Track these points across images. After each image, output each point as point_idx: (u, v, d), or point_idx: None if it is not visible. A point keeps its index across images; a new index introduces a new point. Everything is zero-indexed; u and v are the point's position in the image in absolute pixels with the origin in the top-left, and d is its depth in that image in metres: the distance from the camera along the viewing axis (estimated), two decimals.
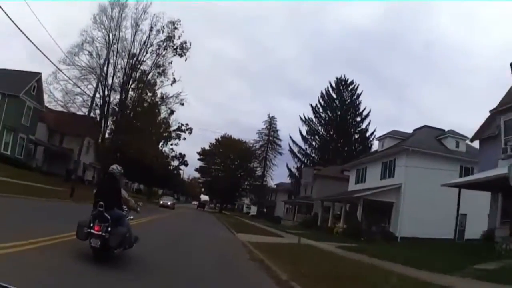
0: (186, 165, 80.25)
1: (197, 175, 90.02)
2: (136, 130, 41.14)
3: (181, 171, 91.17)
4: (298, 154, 63.68)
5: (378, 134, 61.00)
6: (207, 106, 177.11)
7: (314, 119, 65.02)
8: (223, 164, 73.97)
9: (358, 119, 65.32)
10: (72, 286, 5.07)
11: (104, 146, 41.27)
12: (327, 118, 65.16)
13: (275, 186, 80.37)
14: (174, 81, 43.51)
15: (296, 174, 62.76)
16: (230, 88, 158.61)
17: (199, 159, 77.32)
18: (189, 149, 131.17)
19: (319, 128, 64.92)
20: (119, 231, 6.40)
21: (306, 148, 63.99)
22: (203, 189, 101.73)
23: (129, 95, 42.29)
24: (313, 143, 64.39)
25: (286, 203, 58.64)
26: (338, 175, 46.69)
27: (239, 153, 71.50)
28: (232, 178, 70.45)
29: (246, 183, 76.19)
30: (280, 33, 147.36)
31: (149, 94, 42.67)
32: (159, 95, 43.80)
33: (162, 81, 43.71)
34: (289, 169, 64.27)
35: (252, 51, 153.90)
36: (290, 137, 65.44)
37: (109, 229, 6.23)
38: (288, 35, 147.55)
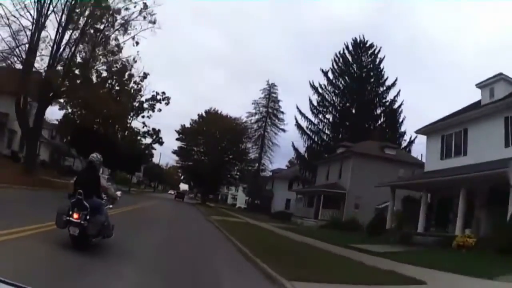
0: (161, 143, 64.94)
1: (176, 163, 74.49)
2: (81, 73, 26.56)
3: (154, 150, 75.33)
4: (307, 131, 49.01)
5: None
6: (188, 98, 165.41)
7: (327, 86, 50.75)
8: (207, 145, 59.13)
9: (381, 89, 51.61)
10: (50, 273, 4.95)
11: (26, 94, 25.96)
12: (342, 87, 51.10)
13: (270, 173, 66.26)
14: (145, 6, 28.70)
15: (305, 155, 48.40)
16: (212, 82, 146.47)
17: (177, 139, 62.37)
18: (166, 139, 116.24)
19: (334, 98, 50.62)
20: (97, 220, 6.25)
21: (318, 123, 49.38)
22: (182, 177, 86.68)
23: (74, 18, 26.90)
24: (327, 115, 49.94)
25: (298, 193, 43.19)
26: (377, 154, 32.99)
27: (228, 132, 56.91)
28: (217, 163, 55.92)
29: (236, 168, 61.40)
30: (264, 26, 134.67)
31: (103, 16, 27.30)
32: (119, 19, 28.60)
33: (127, 8, 28.83)
34: (296, 149, 49.56)
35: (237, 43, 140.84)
36: (298, 108, 51.02)
37: (88, 217, 6.06)
38: (273, 28, 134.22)
